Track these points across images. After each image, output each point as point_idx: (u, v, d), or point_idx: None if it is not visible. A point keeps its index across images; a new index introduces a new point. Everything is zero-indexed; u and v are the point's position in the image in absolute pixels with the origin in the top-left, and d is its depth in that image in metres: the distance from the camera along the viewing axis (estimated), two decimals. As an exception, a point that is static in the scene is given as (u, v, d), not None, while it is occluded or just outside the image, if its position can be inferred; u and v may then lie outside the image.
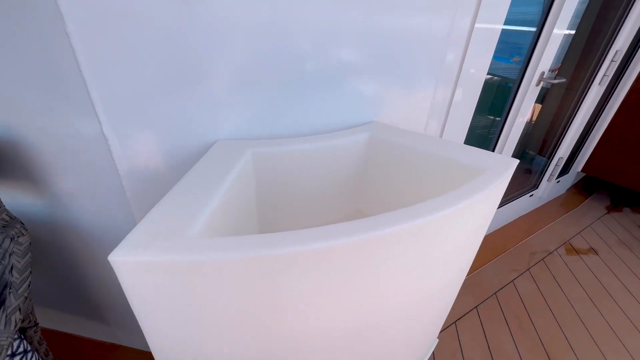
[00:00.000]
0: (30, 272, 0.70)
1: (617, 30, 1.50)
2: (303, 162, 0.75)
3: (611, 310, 1.38)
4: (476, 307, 1.36)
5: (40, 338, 0.79)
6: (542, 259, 1.66)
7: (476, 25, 0.87)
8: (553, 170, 1.93)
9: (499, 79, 1.55)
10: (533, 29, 1.19)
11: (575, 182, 2.48)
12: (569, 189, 2.39)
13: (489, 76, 1.47)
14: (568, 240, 1.82)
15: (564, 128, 1.78)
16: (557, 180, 2.10)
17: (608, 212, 2.13)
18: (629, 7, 1.44)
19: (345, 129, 0.84)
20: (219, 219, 0.53)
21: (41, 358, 0.78)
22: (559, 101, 1.83)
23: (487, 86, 1.44)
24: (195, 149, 0.71)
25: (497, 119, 1.63)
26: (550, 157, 1.88)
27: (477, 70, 0.99)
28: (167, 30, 0.57)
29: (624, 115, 1.95)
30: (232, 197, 0.59)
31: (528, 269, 1.59)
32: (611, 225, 1.98)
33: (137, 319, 0.44)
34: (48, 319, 1.06)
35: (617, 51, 1.55)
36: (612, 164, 2.08)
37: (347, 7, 0.69)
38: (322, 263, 0.43)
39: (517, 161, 0.69)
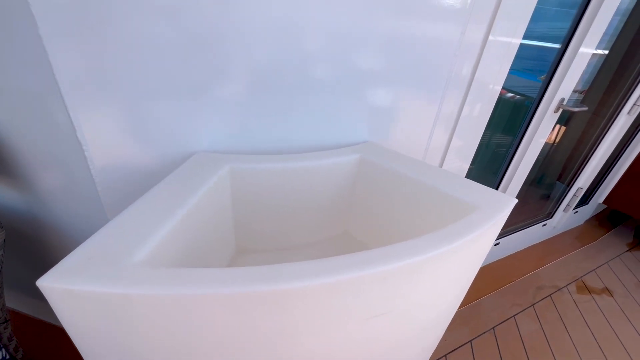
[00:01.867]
0: (1, 270, 0.69)
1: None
2: (285, 181, 0.71)
3: (621, 361, 1.27)
4: (471, 341, 1.28)
5: (10, 334, 0.78)
6: (549, 295, 1.55)
7: (490, 37, 0.81)
8: (570, 201, 1.81)
9: (523, 97, 1.47)
10: (557, 46, 1.11)
11: (596, 213, 2.33)
12: (587, 221, 2.24)
13: (511, 94, 1.39)
14: (580, 277, 1.70)
15: (586, 157, 1.67)
16: (575, 210, 1.98)
17: (629, 250, 1.98)
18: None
19: (338, 148, 0.80)
20: (177, 241, 0.49)
21: (10, 354, 0.78)
22: (583, 126, 1.72)
23: (510, 104, 1.36)
24: (177, 156, 0.69)
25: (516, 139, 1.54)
26: (569, 186, 1.76)
27: (490, 85, 0.92)
28: (152, 35, 0.54)
29: (655, 147, 1.81)
30: (200, 215, 0.56)
31: (532, 305, 1.49)
32: (631, 265, 1.84)
33: (74, 342, 0.41)
34: (27, 306, 1.07)
35: (652, 78, 1.44)
36: (638, 198, 1.94)
37: (347, 15, 0.65)
38: (268, 306, 0.39)
39: (516, 201, 0.62)
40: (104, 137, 0.62)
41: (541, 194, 1.95)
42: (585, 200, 2.05)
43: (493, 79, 0.91)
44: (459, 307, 1.41)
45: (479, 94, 0.90)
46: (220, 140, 0.70)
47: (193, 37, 0.57)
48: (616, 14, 1.51)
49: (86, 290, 0.35)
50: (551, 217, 1.84)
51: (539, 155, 1.82)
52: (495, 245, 1.59)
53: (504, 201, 0.61)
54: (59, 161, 0.68)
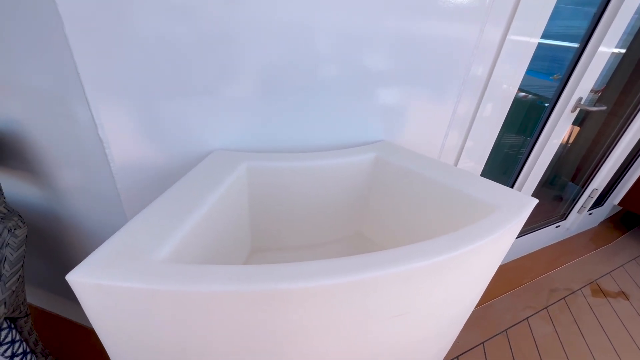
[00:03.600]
0: (23, 265, 0.71)
1: (673, 55, 1.35)
2: (302, 179, 0.71)
3: (638, 366, 1.24)
4: (483, 343, 1.26)
5: (30, 328, 0.80)
6: (563, 298, 1.53)
7: (508, 36, 0.80)
8: (585, 202, 1.78)
9: (536, 97, 1.44)
10: (576, 45, 1.08)
11: (611, 215, 2.28)
12: (602, 223, 2.20)
13: (524, 94, 1.37)
14: (595, 280, 1.67)
15: (602, 157, 1.64)
16: (590, 212, 1.94)
17: (645, 253, 1.94)
18: (689, 31, 1.30)
19: (353, 147, 0.80)
20: (197, 239, 0.50)
21: (30, 348, 0.79)
22: (599, 126, 1.69)
23: (522, 104, 1.34)
24: (194, 154, 0.69)
25: (529, 139, 1.52)
26: (584, 187, 1.73)
27: (507, 85, 0.91)
28: (172, 35, 0.55)
29: (674, 148, 1.77)
30: (219, 214, 0.56)
31: (546, 308, 1.47)
32: (647, 268, 1.80)
33: (99, 337, 0.42)
34: (46, 301, 1.09)
35: (671, 78, 1.40)
36: (654, 201, 1.89)
37: (365, 14, 0.65)
38: (291, 304, 0.39)
39: (536, 201, 0.61)
40: (124, 136, 0.63)
41: (554, 195, 1.92)
42: (600, 201, 2.01)
43: (509, 80, 0.89)
44: (471, 309, 1.40)
45: (495, 95, 0.89)
46: (236, 138, 0.71)
47: (209, 37, 0.57)
48: (635, 12, 1.48)
49: (114, 285, 0.36)
50: (565, 219, 1.81)
51: (563, 157, 1.79)
52: (508, 246, 1.57)
53: (524, 201, 0.61)
54: (80, 159, 0.69)
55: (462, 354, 1.21)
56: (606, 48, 1.02)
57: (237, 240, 0.69)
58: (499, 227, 0.52)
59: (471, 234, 0.50)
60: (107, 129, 0.60)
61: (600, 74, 1.63)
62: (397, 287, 0.45)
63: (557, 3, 1.02)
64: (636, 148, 1.81)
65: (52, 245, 0.91)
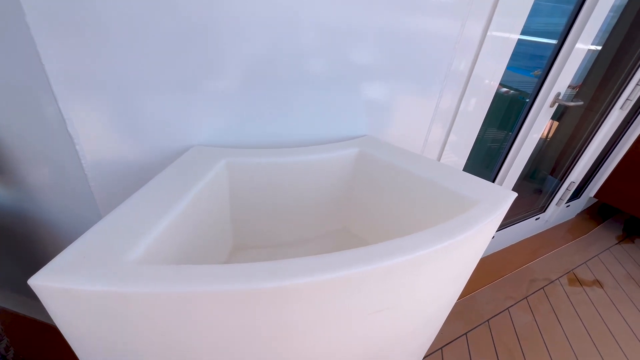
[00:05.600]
0: (-11, 268, 0.67)
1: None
2: (284, 175, 0.70)
3: (610, 351, 1.30)
4: (466, 333, 1.29)
5: (0, 333, 0.76)
6: (542, 288, 1.58)
7: (489, 32, 0.81)
8: (563, 195, 1.83)
9: (517, 92, 1.47)
10: (554, 42, 1.11)
11: (587, 207, 2.37)
12: (579, 214, 2.28)
13: (506, 89, 1.39)
14: (572, 270, 1.73)
15: (579, 151, 1.69)
16: (567, 204, 2.01)
17: (619, 243, 2.02)
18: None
19: (336, 142, 0.79)
20: (174, 238, 0.48)
21: (0, 354, 0.76)
22: (576, 121, 1.74)
23: (504, 99, 1.37)
24: (172, 150, 0.67)
25: (511, 134, 1.55)
26: (562, 180, 1.78)
27: (488, 81, 0.92)
28: (145, 27, 0.52)
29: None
30: (197, 212, 0.54)
31: (525, 297, 1.51)
32: (621, 257, 1.88)
33: (69, 343, 0.40)
34: (19, 304, 1.04)
35: (644, 74, 1.45)
36: (628, 192, 1.97)
37: (348, 8, 0.63)
38: (270, 304, 0.38)
39: (515, 194, 0.62)
40: (95, 131, 0.60)
41: (534, 188, 1.97)
42: (577, 194, 2.08)
43: (491, 75, 0.90)
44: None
45: (476, 90, 0.90)
46: (216, 134, 0.69)
47: (186, 30, 0.55)
48: (610, 10, 1.52)
49: (80, 289, 0.34)
50: (544, 211, 1.87)
51: (542, 151, 1.83)
52: (491, 238, 1.61)
53: (503, 195, 0.61)
54: (49, 156, 0.65)
55: (446, 345, 1.24)
56: (583, 45, 1.04)
57: (217, 238, 0.67)
58: (478, 221, 0.53)
59: (451, 228, 0.50)
60: (76, 124, 0.57)
61: (578, 70, 1.67)
62: (379, 283, 0.44)
63: (537, 0, 1.03)
64: (611, 142, 1.88)
65: (23, 246, 0.87)
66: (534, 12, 1.10)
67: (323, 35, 0.65)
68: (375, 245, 0.45)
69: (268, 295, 0.37)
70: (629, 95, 1.50)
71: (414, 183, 0.69)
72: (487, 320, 1.37)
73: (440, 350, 1.21)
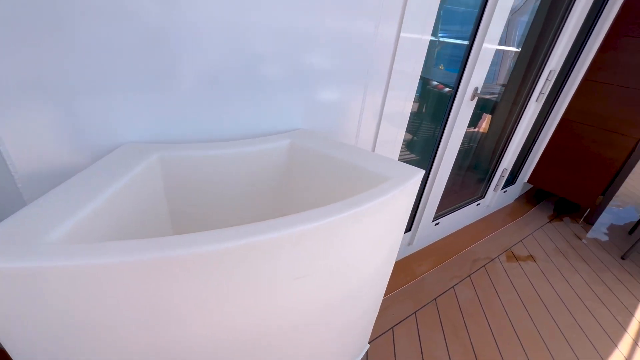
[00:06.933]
0: None
1: (550, 51, 1.61)
2: (219, 167, 0.74)
3: (541, 316, 1.45)
4: (415, 312, 1.39)
5: None
6: (484, 266, 1.73)
7: (401, 34, 0.91)
8: (498, 181, 2.02)
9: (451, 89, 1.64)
10: (466, 43, 1.24)
11: (524, 192, 2.61)
12: (517, 199, 2.51)
13: (444, 87, 1.54)
14: (510, 248, 1.91)
15: (506, 141, 1.88)
16: (504, 190, 2.21)
17: (550, 221, 2.26)
18: (559, 30, 1.56)
19: (270, 135, 0.85)
20: (100, 224, 0.51)
21: None
22: (506, 115, 1.94)
23: (443, 97, 1.51)
24: (104, 149, 0.69)
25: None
26: (495, 168, 1.97)
27: (408, 77, 1.02)
28: (77, 29, 0.55)
29: (564, 131, 2.09)
30: (125, 202, 0.57)
31: (469, 276, 1.65)
32: (551, 234, 2.10)
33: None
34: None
35: (550, 71, 1.67)
36: (554, 177, 2.21)
37: (270, 10, 0.70)
38: (184, 271, 0.42)
39: (422, 172, 0.71)
40: (22, 132, 0.60)
41: (477, 177, 2.15)
42: (512, 180, 2.30)
43: (409, 72, 1.01)
44: (404, 285, 1.52)
45: (398, 85, 1.00)
46: (150, 131, 0.71)
47: (114, 29, 0.58)
48: (525, 15, 1.73)
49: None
50: (484, 197, 2.04)
51: (474, 144, 2.01)
52: (436, 225, 1.74)
53: (412, 173, 0.70)
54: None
55: (396, 324, 1.32)
56: (490, 45, 1.19)
57: (154, 226, 0.69)
58: (384, 193, 0.61)
59: (359, 199, 0.57)
60: (2, 126, 0.58)
61: (506, 69, 1.87)
62: (291, 249, 0.50)
63: (448, 6, 1.17)
64: (535, 132, 2.11)
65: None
66: (451, 16, 1.24)
67: (254, 36, 0.70)
68: (288, 217, 0.50)
69: (180, 264, 0.41)
70: (541, 89, 1.71)
71: (339, 167, 0.76)
72: (435, 299, 1.48)
73: (391, 329, 1.30)
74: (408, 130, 1.28)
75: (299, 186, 0.84)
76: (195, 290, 0.44)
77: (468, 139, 1.91)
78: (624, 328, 1.44)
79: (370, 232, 0.63)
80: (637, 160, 2.05)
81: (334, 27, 0.79)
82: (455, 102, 1.28)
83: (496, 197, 2.12)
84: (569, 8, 1.51)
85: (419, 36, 0.95)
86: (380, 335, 1.26)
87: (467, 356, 1.23)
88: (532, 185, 2.62)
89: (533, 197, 2.59)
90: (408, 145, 1.47)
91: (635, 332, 1.43)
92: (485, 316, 1.42)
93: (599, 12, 1.73)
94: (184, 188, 0.74)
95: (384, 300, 1.42)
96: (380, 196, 0.60)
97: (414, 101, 1.32)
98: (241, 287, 0.49)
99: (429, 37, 0.98)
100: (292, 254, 0.51)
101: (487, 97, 1.30)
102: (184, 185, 0.73)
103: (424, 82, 1.44)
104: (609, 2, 1.71)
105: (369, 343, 1.22)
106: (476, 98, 1.31)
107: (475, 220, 2.12)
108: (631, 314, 1.52)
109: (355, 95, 0.94)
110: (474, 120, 1.90)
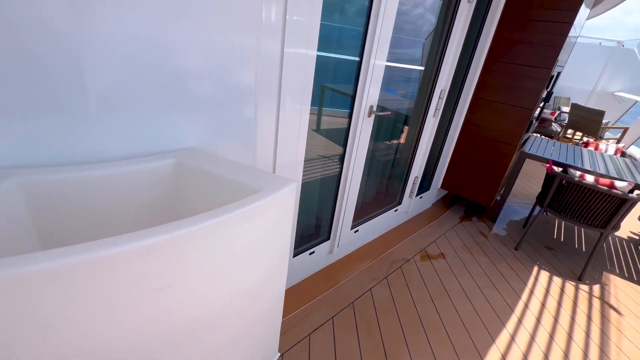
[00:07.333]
0: None
1: (438, 73, 1.86)
2: (92, 189, 0.74)
3: (445, 307, 1.62)
4: (332, 317, 1.46)
5: None
6: (400, 267, 1.88)
7: (286, 49, 0.99)
8: (412, 188, 2.23)
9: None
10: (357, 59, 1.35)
11: (441, 197, 2.90)
12: (435, 204, 2.77)
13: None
14: (424, 248, 2.10)
15: (413, 152, 2.10)
16: (420, 196, 2.43)
17: (460, 222, 2.53)
18: (443, 54, 1.81)
19: (156, 154, 0.86)
20: None
21: None
22: (413, 128, 2.16)
23: (346, 113, 1.65)
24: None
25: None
26: (407, 176, 2.17)
27: (300, 94, 1.10)
28: None
29: (463, 141, 2.39)
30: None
31: (386, 277, 1.78)
32: (460, 233, 2.35)
33: None
34: None
35: (441, 90, 1.92)
36: (460, 181, 2.50)
37: (143, 25, 0.72)
38: (36, 288, 0.43)
39: (295, 182, 0.79)
40: None
41: (395, 186, 2.34)
42: (427, 187, 2.54)
43: (300, 86, 1.09)
44: (324, 292, 1.58)
45: (291, 99, 1.08)
46: (13, 155, 0.69)
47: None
48: (430, 39, 1.96)
49: None
50: (400, 204, 2.23)
51: (392, 155, 2.18)
52: (355, 232, 1.85)
53: (283, 184, 0.77)
54: None
55: (313, 331, 1.37)
56: (380, 61, 1.34)
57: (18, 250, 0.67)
58: (248, 203, 0.66)
59: (218, 211, 0.62)
60: None
61: (413, 86, 2.08)
62: (145, 262, 0.53)
63: (332, 24, 1.27)
64: (440, 142, 2.38)
65: None
66: (343, 34, 1.36)
67: (131, 52, 0.72)
68: (143, 231, 0.53)
69: (27, 280, 0.41)
70: (436, 106, 1.96)
71: (219, 183, 0.80)
72: (352, 303, 1.56)
73: (308, 337, 1.34)
74: (318, 146, 1.38)
75: (185, 204, 0.87)
76: (51, 307, 0.44)
77: (386, 150, 2.09)
78: (511, 309, 1.66)
79: (242, 241, 0.68)
80: (522, 163, 2.42)
81: (215, 42, 0.83)
82: (352, 120, 1.41)
83: (413, 203, 2.33)
84: (448, 36, 1.77)
85: (304, 51, 1.04)
86: (296, 344, 1.30)
87: (377, 352, 1.32)
88: (447, 191, 2.91)
89: (449, 201, 2.88)
90: (320, 159, 1.56)
91: (520, 311, 1.66)
92: (397, 313, 1.54)
93: (476, 39, 2.05)
94: (57, 213, 0.72)
95: (302, 310, 1.46)
96: (241, 207, 0.65)
97: (325, 117, 1.43)
98: (97, 302, 0.50)
99: (315, 53, 1.07)
100: (148, 266, 0.53)
101: (381, 114, 1.46)
102: (57, 209, 0.72)
103: (326, 97, 1.55)
104: (483, 32, 2.04)
105: (281, 353, 1.25)
106: (373, 115, 1.46)
107: (395, 226, 2.29)
108: (518, 297, 1.76)
109: (246, 112, 0.99)
110: (395, 133, 2.09)
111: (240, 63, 0.92)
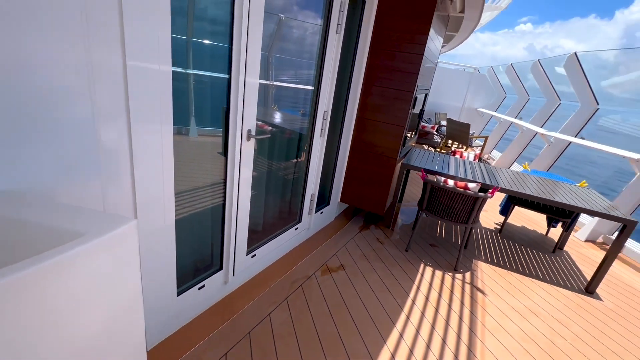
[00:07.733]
0: None
1: (318, 96, 1.99)
2: None
3: (342, 318, 1.67)
4: (225, 354, 1.36)
5: None
6: (300, 285, 1.89)
7: (129, 62, 0.89)
8: (310, 205, 2.30)
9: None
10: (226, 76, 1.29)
11: (343, 209, 3.06)
12: (337, 217, 2.91)
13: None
14: (325, 262, 2.17)
15: (307, 170, 2.18)
16: (321, 212, 2.53)
17: (360, 231, 2.70)
18: (320, 78, 1.95)
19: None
20: None
21: None
22: (308, 147, 2.24)
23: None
24: None
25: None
26: (304, 194, 2.24)
27: (157, 114, 1.00)
28: None
29: (354, 156, 2.59)
30: None
31: (286, 299, 1.76)
32: (360, 243, 2.51)
33: None
34: None
35: (324, 111, 2.06)
36: (355, 193, 2.69)
37: None
38: None
39: (134, 220, 0.72)
40: None
41: (295, 204, 2.38)
42: (327, 201, 2.66)
43: (158, 107, 1.00)
44: (220, 326, 1.48)
45: (147, 123, 0.98)
46: None
47: None
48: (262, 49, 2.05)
49: None
50: (301, 221, 2.27)
51: (291, 174, 2.20)
52: (253, 257, 1.80)
53: (119, 223, 0.70)
54: None
55: (202, 374, 1.26)
56: (252, 79, 1.34)
57: None
58: (66, 251, 0.57)
59: (29, 262, 0.52)
60: None
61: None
62: None
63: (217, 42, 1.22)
64: (334, 160, 2.53)
65: None
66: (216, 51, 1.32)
67: None
68: None
69: None
70: (322, 126, 2.09)
71: (31, 232, 0.69)
72: (249, 332, 1.50)
73: (195, 382, 1.22)
74: (205, 171, 1.31)
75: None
76: None
77: (284, 170, 2.11)
78: (401, 308, 1.82)
79: (69, 287, 0.58)
80: (405, 173, 2.73)
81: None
82: (229, 145, 1.39)
83: (313, 219, 2.40)
84: (322, 62, 1.92)
85: (155, 66, 0.96)
86: (180, 394, 1.17)
87: (273, 381, 1.28)
88: (347, 204, 3.10)
89: (351, 213, 3.06)
90: (206, 187, 1.48)
91: (408, 309, 1.82)
92: (295, 334, 1.53)
93: (352, 66, 2.28)
94: None
95: (192, 352, 1.34)
96: (52, 257, 0.56)
97: (209, 138, 1.35)
98: None
99: (170, 68, 1.00)
100: None
101: (260, 137, 1.48)
102: None
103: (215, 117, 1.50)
104: (357, 60, 2.28)
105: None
106: (252, 139, 1.47)
107: (298, 244, 2.32)
108: (407, 295, 1.94)
109: (84, 142, 0.87)
110: (291, 152, 2.13)
111: (60, 78, 0.77)
